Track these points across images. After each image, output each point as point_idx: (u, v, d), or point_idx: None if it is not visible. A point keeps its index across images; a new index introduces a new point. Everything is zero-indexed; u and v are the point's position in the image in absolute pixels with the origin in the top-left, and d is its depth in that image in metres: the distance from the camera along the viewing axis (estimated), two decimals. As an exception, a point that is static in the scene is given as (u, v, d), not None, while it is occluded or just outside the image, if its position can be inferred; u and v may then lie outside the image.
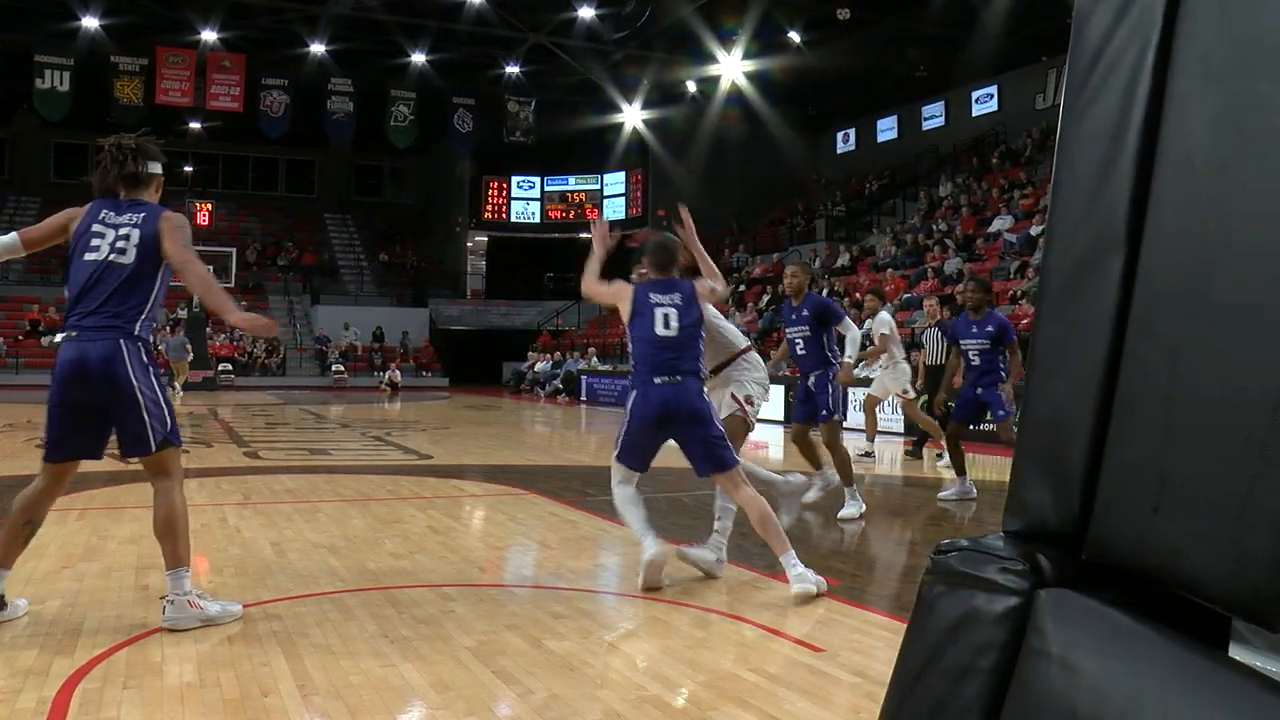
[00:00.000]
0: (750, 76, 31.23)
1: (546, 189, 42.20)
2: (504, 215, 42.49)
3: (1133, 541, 0.91)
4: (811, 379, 7.58)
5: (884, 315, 11.05)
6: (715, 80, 31.98)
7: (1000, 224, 23.32)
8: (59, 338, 4.31)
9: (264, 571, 5.35)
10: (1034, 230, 21.05)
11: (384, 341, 35.94)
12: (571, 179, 41.97)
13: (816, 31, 28.53)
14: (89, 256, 4.27)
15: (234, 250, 35.42)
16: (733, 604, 4.82)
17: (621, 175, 40.48)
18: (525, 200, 42.37)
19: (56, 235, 4.56)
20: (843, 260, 27.55)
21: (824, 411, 7.46)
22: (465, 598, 4.82)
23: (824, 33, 28.40)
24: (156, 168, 4.58)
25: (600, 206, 41.63)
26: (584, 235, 41.81)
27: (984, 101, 30.69)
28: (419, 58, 32.00)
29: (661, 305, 5.14)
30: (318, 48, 31.23)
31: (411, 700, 3.40)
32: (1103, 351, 0.98)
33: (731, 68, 30.84)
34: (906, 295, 21.69)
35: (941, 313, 12.48)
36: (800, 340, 7.55)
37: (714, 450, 5.03)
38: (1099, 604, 0.94)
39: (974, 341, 8.49)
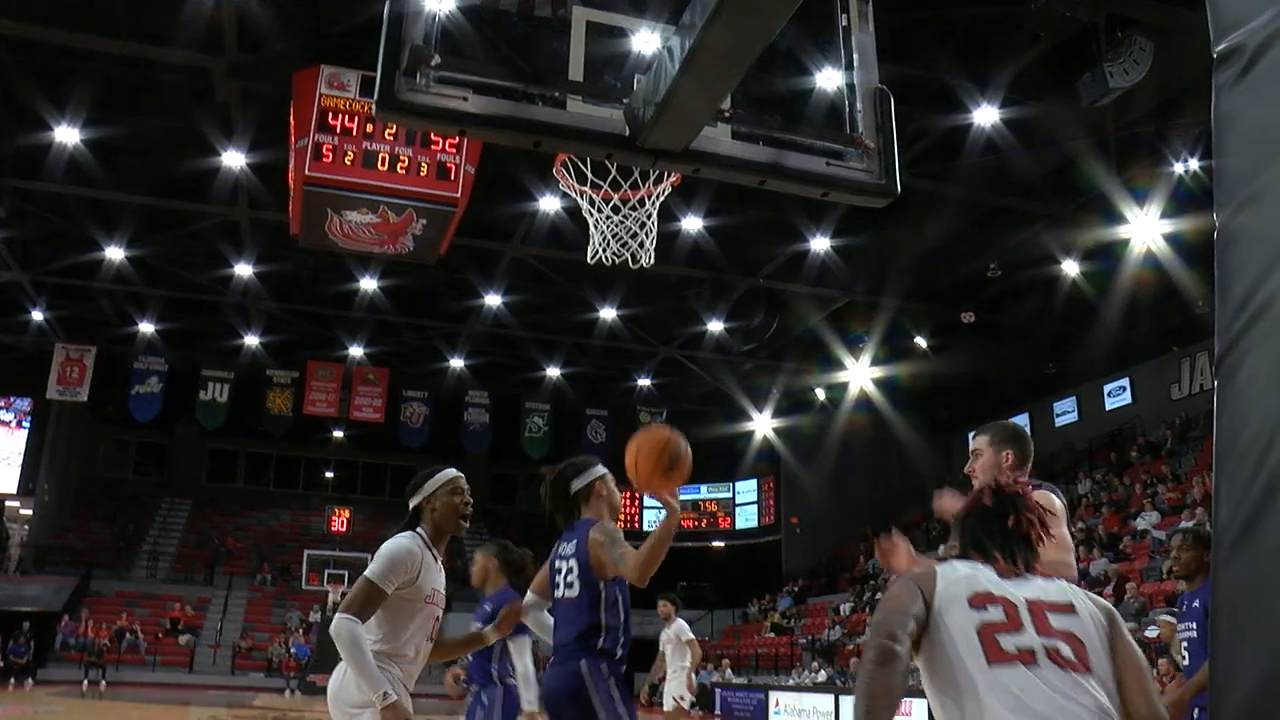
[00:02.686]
0: (878, 382, 31.54)
1: (680, 498, 42.26)
2: (637, 525, 42.56)
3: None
4: None
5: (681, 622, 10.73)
6: (843, 386, 32.36)
7: (1146, 521, 22.38)
8: None
9: None
10: (1184, 523, 20.11)
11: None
12: (703, 487, 42.10)
13: (942, 335, 28.91)
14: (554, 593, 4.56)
15: (369, 556, 35.82)
16: None
17: (753, 483, 40.52)
18: (658, 509, 42.33)
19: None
20: (981, 566, 26.62)
21: None
22: None
23: (949, 336, 28.76)
24: (580, 482, 4.75)
25: (732, 514, 41.50)
26: (716, 544, 41.63)
27: (1117, 395, 30.22)
28: (553, 371, 33.32)
29: None
30: (457, 362, 32.84)
31: None
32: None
33: (859, 374, 31.25)
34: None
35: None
36: None
37: None
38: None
39: (1185, 625, 5.92)
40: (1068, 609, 2.37)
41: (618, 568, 4.23)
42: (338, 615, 4.08)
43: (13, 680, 27.58)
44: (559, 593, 4.42)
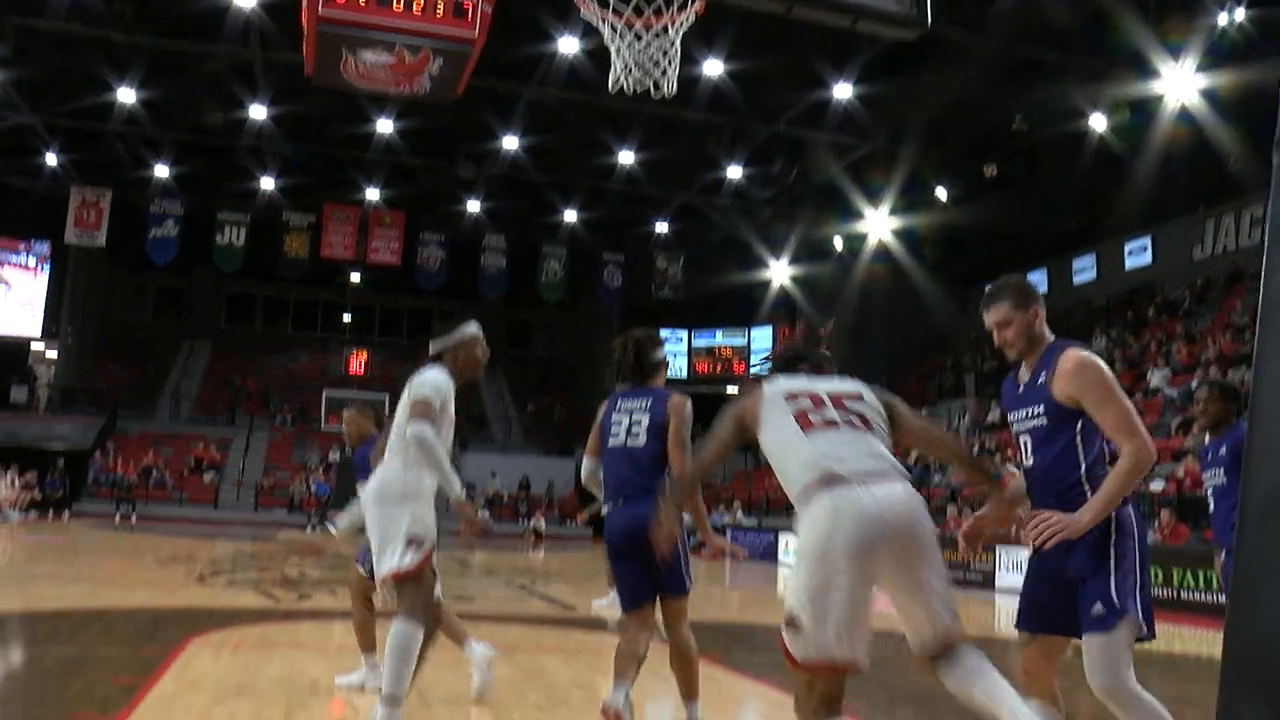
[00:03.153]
0: (897, 233, 31.31)
1: (694, 344, 42.61)
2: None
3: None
4: None
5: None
6: (862, 237, 32.15)
7: (1158, 378, 22.47)
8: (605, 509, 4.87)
9: (408, 718, 5.31)
10: (1194, 384, 20.23)
11: (530, 490, 36.29)
12: (719, 333, 42.32)
13: (964, 188, 28.55)
14: (611, 442, 4.85)
15: (386, 396, 36.55)
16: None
17: (769, 330, 40.65)
18: (673, 354, 42.51)
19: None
20: (993, 416, 26.86)
21: None
22: (611, 755, 4.67)
23: (971, 189, 28.41)
24: (658, 356, 5.08)
25: (746, 361, 41.79)
26: (730, 389, 42.03)
27: (1137, 254, 29.92)
28: (570, 215, 33.14)
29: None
30: (473, 205, 32.65)
31: None
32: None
33: (878, 224, 31.00)
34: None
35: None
36: None
37: None
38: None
39: (1212, 471, 6.26)
40: (858, 397, 3.59)
41: (674, 450, 4.74)
42: (412, 423, 4.64)
43: (51, 513, 28.52)
44: (621, 441, 4.82)
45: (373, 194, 31.99)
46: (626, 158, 28.56)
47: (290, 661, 6.96)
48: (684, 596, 4.78)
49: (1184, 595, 13.55)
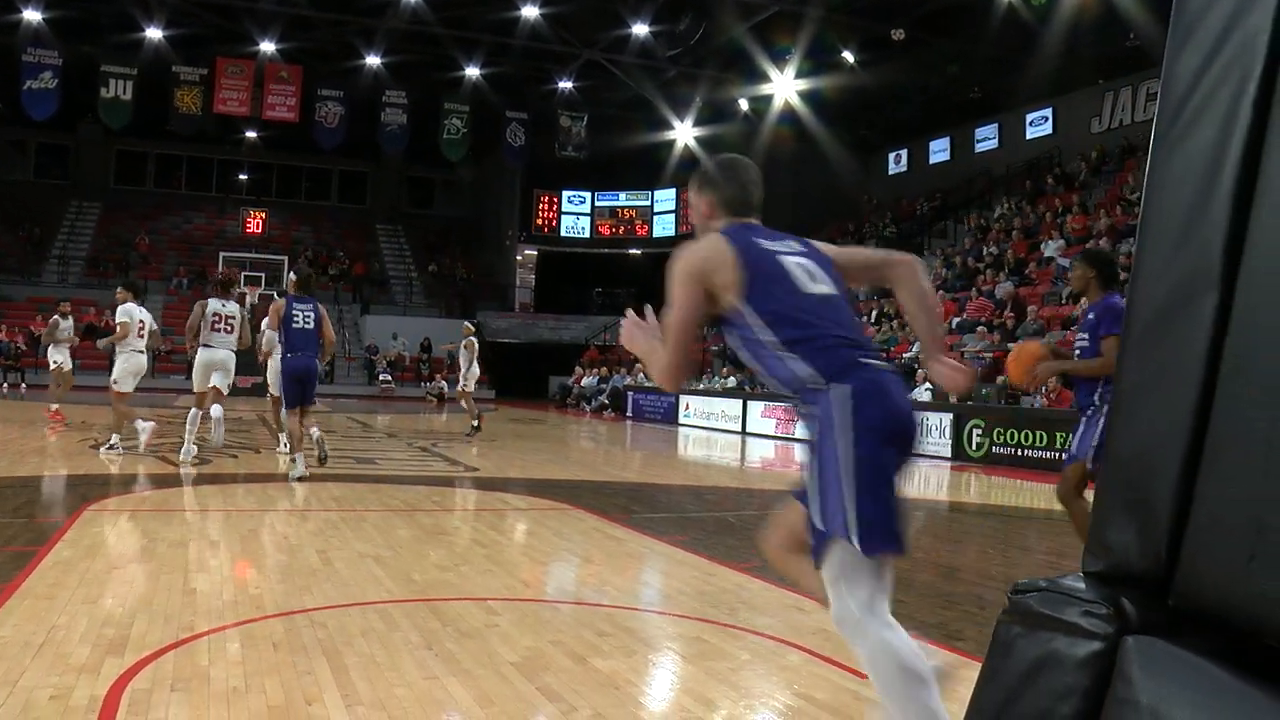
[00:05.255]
0: (803, 95, 31.18)
1: (597, 204, 42.37)
2: (554, 229, 42.70)
3: (1226, 591, 0.87)
4: None
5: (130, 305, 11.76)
6: (768, 99, 31.95)
7: (1053, 248, 23.06)
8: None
9: (310, 579, 5.38)
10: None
11: (431, 353, 36.16)
12: (622, 195, 42.12)
13: (870, 51, 28.46)
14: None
15: (285, 258, 35.87)
16: (779, 628, 4.77)
17: (672, 192, 40.54)
18: (576, 215, 42.56)
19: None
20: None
21: None
22: (509, 612, 4.82)
23: (877, 53, 28.32)
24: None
25: (650, 223, 41.74)
26: (633, 251, 42.08)
27: (1039, 124, 30.37)
28: (473, 71, 32.30)
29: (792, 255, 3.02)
30: (373, 60, 31.61)
31: (454, 715, 3.39)
32: (1193, 392, 0.94)
33: (784, 87, 30.81)
34: (957, 319, 21.48)
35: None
36: None
37: None
38: (1192, 655, 0.90)
39: (1081, 334, 6.34)
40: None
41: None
42: None
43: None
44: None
45: (268, 47, 30.69)
46: (530, 11, 27.82)
47: (189, 525, 6.96)
48: None
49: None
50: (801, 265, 2.96)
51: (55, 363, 17.37)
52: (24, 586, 4.90)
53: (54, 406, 16.59)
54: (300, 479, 9.30)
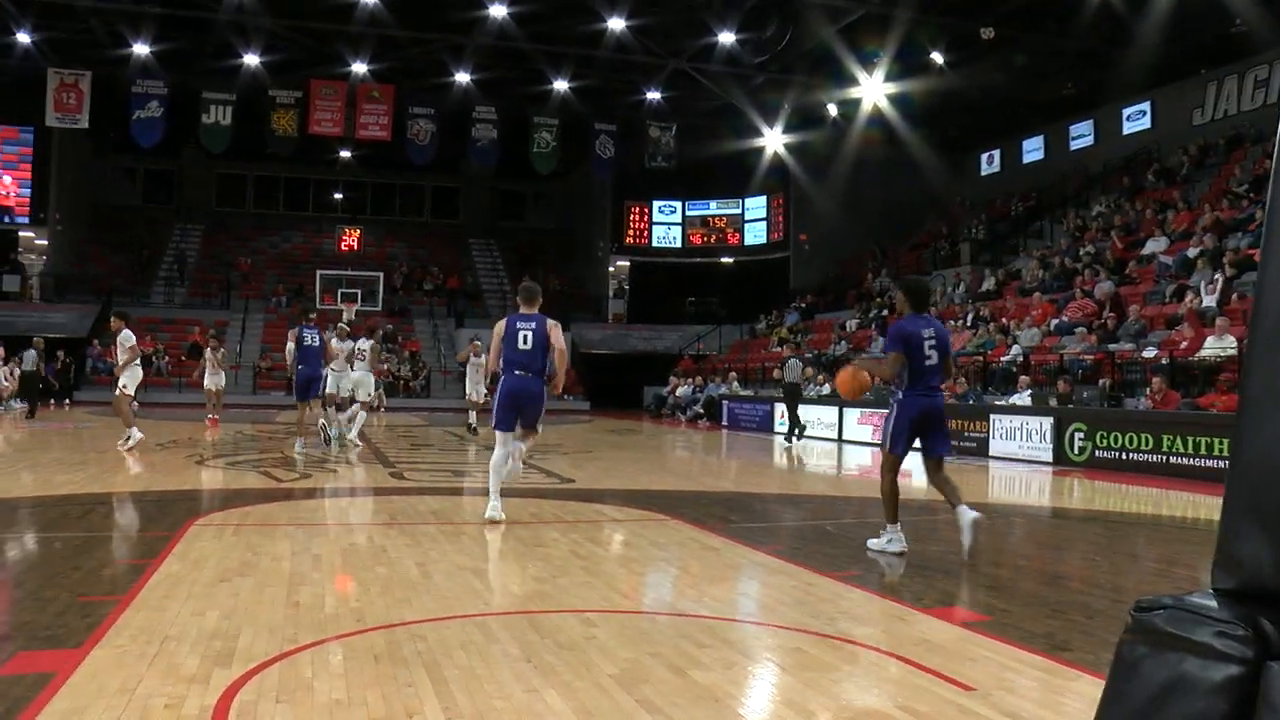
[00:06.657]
0: (892, 99, 30.81)
1: (688, 214, 42.38)
2: (645, 240, 42.81)
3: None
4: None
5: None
6: (856, 103, 31.64)
7: (1154, 246, 22.37)
8: None
9: (410, 591, 5.43)
10: (1190, 252, 20.09)
11: (524, 364, 36.40)
12: (713, 203, 42.08)
13: (959, 52, 28.02)
14: None
15: (380, 275, 36.55)
16: (880, 638, 4.68)
17: (763, 199, 40.38)
18: (666, 225, 42.62)
19: None
20: (988, 285, 26.84)
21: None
22: (608, 623, 4.80)
23: (967, 53, 27.87)
24: None
25: (741, 231, 41.62)
26: (725, 259, 41.99)
27: (1136, 119, 29.49)
28: (561, 85, 32.57)
29: None
30: (463, 77, 32.07)
31: (555, 728, 3.39)
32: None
33: (873, 90, 30.47)
34: (1055, 321, 20.94)
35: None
36: None
37: None
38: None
39: None
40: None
41: None
42: None
43: (52, 401, 28.64)
44: None
45: (359, 68, 31.36)
46: (616, 23, 27.95)
47: (292, 539, 7.09)
48: None
49: (1173, 460, 13.77)
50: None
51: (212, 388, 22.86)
52: (138, 598, 5.04)
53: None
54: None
